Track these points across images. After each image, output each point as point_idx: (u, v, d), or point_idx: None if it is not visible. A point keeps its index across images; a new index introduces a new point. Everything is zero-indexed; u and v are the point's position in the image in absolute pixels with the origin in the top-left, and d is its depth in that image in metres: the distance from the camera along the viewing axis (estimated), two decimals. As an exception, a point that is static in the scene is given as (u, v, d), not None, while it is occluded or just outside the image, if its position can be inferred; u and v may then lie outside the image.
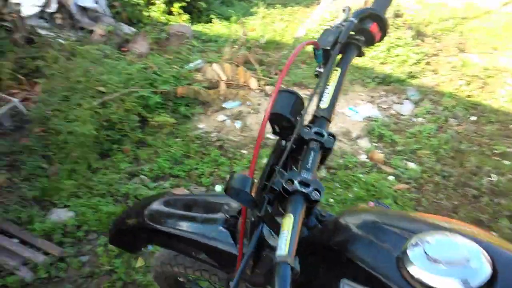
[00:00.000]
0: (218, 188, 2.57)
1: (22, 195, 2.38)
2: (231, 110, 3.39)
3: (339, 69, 0.83)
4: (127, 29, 4.91)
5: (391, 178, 2.69)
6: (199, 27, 5.40)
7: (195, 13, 5.83)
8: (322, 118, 0.77)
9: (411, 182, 2.64)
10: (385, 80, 4.00)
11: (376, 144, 3.06)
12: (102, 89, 3.04)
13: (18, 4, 4.37)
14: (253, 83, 3.75)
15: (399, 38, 4.45)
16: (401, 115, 3.45)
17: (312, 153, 0.70)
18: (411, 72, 4.08)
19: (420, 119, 3.35)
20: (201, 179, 2.63)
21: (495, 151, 2.94)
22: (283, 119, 0.72)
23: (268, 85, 3.88)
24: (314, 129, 0.72)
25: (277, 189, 0.65)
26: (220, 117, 3.30)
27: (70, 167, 2.62)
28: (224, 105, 3.46)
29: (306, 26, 5.35)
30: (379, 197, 2.47)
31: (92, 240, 2.19)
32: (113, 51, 3.68)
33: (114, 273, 1.95)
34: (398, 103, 3.63)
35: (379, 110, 3.53)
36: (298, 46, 0.73)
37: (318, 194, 0.63)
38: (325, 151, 0.72)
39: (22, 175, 2.57)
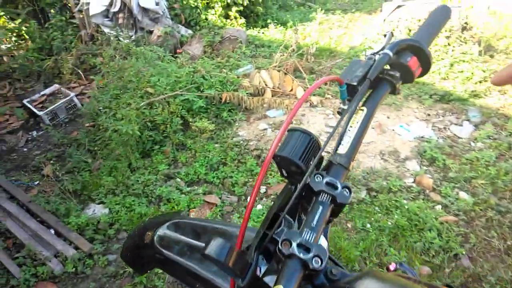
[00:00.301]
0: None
1: (64, 187, 2.50)
2: (273, 119, 3.33)
3: (365, 109, 0.72)
4: (184, 31, 5.05)
5: (438, 207, 2.46)
6: (254, 32, 5.40)
7: (252, 18, 5.85)
8: (339, 165, 0.66)
9: (460, 214, 2.40)
10: (444, 98, 3.71)
11: (426, 168, 2.83)
12: (150, 90, 3.13)
13: (87, 4, 4.66)
14: (300, 93, 3.66)
15: (464, 53, 4.11)
16: (459, 137, 3.17)
17: (320, 209, 0.60)
18: (474, 90, 3.74)
19: (479, 144, 3.04)
20: (234, 188, 2.59)
21: None
22: (291, 164, 0.64)
23: (315, 95, 3.77)
24: (327, 179, 0.62)
25: (271, 249, 0.57)
26: (262, 125, 3.25)
27: (112, 164, 2.72)
28: (267, 113, 3.41)
29: (364, 34, 5.14)
30: (422, 228, 2.27)
31: (122, 240, 2.25)
32: (166, 53, 3.78)
33: (136, 276, 1.98)
34: (456, 124, 3.34)
35: (433, 130, 3.27)
36: (314, 83, 0.65)
37: (319, 261, 0.54)
38: (337, 206, 0.62)
39: (66, 167, 2.71)
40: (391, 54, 0.73)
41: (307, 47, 4.40)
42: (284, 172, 0.67)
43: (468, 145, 3.06)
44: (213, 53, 4.56)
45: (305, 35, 5.24)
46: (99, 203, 2.46)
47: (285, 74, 3.86)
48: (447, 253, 2.14)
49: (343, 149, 0.68)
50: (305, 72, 4.00)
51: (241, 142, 3.03)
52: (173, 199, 2.44)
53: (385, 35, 0.82)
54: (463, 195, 2.56)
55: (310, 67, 4.18)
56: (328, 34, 5.45)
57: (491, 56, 4.13)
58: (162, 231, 1.08)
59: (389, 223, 2.30)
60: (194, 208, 2.43)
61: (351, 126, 0.70)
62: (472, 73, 3.89)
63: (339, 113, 0.78)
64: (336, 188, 0.61)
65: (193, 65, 3.59)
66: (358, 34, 5.31)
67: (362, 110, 0.72)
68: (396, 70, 0.76)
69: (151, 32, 4.84)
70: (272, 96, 3.63)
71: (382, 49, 0.78)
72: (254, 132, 3.18)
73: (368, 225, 2.34)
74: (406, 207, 2.41)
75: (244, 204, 2.50)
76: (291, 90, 3.78)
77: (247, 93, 3.39)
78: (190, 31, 5.04)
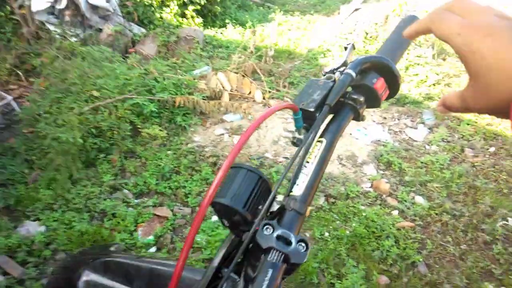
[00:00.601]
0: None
1: (-6, 203, 2.24)
2: (231, 124, 3.20)
3: (324, 140, 0.61)
4: (136, 29, 4.80)
5: (395, 213, 2.44)
6: (211, 32, 5.24)
7: (210, 17, 5.68)
8: (293, 212, 0.53)
9: (416, 219, 2.39)
10: (399, 101, 3.74)
11: (382, 172, 2.81)
12: (96, 93, 2.90)
13: (29, -2, 4.31)
14: (258, 96, 3.55)
15: (419, 56, 4.18)
16: (414, 141, 3.19)
17: (270, 272, 0.46)
18: (428, 93, 3.81)
19: (433, 147, 3.08)
20: (187, 198, 2.44)
21: (514, 190, 2.65)
22: (234, 213, 0.51)
23: (274, 98, 3.68)
24: (278, 231, 0.49)
25: None
26: (218, 130, 3.11)
27: (51, 175, 2.48)
28: (224, 117, 3.27)
29: (321, 37, 5.13)
30: (379, 235, 2.23)
31: (59, 261, 2.03)
32: (115, 54, 3.54)
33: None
34: (411, 127, 3.37)
35: (390, 133, 3.28)
36: (265, 112, 0.53)
37: None
38: (291, 265, 0.49)
39: (0, 179, 2.44)
40: (353, 74, 0.61)
41: (265, 48, 4.31)
42: (225, 222, 0.55)
43: (423, 148, 3.08)
44: (168, 53, 4.36)
45: (263, 36, 5.15)
46: (34, 220, 2.22)
47: (243, 76, 3.75)
48: (404, 260, 2.11)
49: (298, 190, 0.55)
50: (263, 75, 3.90)
51: (196, 148, 2.88)
52: (119, 213, 2.25)
53: (345, 48, 0.71)
54: (419, 199, 2.56)
55: (268, 69, 4.09)
56: (287, 35, 5.39)
57: (444, 59, 4.23)
58: (88, 275, 0.92)
59: (347, 232, 2.24)
60: (143, 222, 2.25)
61: (307, 162, 0.58)
62: (426, 76, 3.96)
63: (294, 144, 0.66)
64: (290, 243, 0.49)
65: (145, 66, 3.38)
66: (316, 36, 5.29)
67: (321, 141, 0.61)
68: (360, 94, 0.65)
69: (101, 30, 4.56)
70: (230, 99, 3.50)
71: (344, 65, 0.68)
72: (210, 138, 3.04)
73: (327, 234, 2.27)
74: (364, 214, 2.37)
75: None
76: (249, 93, 3.67)
77: (203, 97, 3.24)
78: (143, 30, 4.79)
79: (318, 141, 0.61)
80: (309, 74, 4.11)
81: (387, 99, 0.69)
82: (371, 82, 0.64)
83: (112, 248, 1.15)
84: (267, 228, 0.50)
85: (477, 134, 3.19)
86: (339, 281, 1.98)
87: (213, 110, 3.17)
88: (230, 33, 5.32)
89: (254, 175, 0.54)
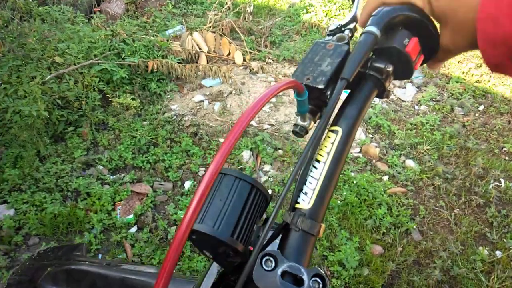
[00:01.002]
0: (187, 184, 2.23)
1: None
2: (210, 89, 2.99)
3: (339, 130, 0.44)
4: (101, -15, 4.36)
5: (385, 178, 2.35)
6: (184, -13, 4.83)
7: (182, -30, 5.23)
8: (301, 233, 0.39)
9: (408, 184, 2.31)
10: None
11: (371, 136, 2.70)
12: (58, 59, 2.60)
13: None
14: (238, 57, 3.32)
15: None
16: (402, 101, 3.07)
17: None
18: (416, 50, 3.65)
19: (423, 107, 2.97)
20: (168, 173, 2.27)
21: (504, 149, 2.60)
22: (217, 244, 0.36)
23: (255, 60, 3.45)
24: (283, 265, 0.35)
25: None
26: (197, 97, 2.89)
27: (16, 153, 2.25)
28: (202, 82, 3.04)
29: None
30: (371, 203, 2.15)
31: (33, 247, 1.87)
32: (78, 14, 3.19)
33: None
34: (399, 86, 3.23)
35: (377, 94, 3.14)
36: (255, 101, 0.36)
37: None
38: None
39: (-44, 161, 2.20)
40: (378, 33, 0.43)
41: (244, 4, 4.00)
42: (207, 253, 0.39)
43: (412, 108, 2.97)
44: (137, 11, 3.99)
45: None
46: (1, 203, 2.03)
47: (221, 36, 3.48)
48: (397, 228, 2.05)
49: (306, 202, 0.40)
50: (243, 33, 3.63)
51: (174, 117, 2.67)
52: (94, 192, 2.07)
53: (353, 0, 0.53)
54: (409, 163, 2.47)
55: (248, 28, 3.81)
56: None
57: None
58: (46, 286, 0.76)
59: (338, 202, 2.15)
60: (121, 201, 2.09)
61: (317, 161, 0.42)
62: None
63: (296, 133, 0.49)
64: (301, 282, 0.35)
65: (112, 27, 3.06)
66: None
67: (335, 131, 0.44)
68: (387, 60, 0.47)
69: (61, -13, 4.12)
70: (208, 62, 3.26)
71: (353, 20, 0.50)
72: (189, 105, 2.83)
73: (317, 204, 2.17)
74: (355, 181, 2.27)
75: (181, 191, 2.21)
76: (229, 54, 3.42)
77: (178, 60, 2.98)
78: (109, -14, 4.36)
79: (331, 131, 0.45)
80: (292, 32, 3.87)
81: (421, 65, 0.52)
82: (401, 44, 0.46)
83: (76, 252, 0.99)
84: (267, 261, 0.35)
85: (466, 92, 3.09)
86: (331, 253, 1.90)
87: (190, 74, 2.93)
88: (204, -12, 4.92)
89: (245, 185, 0.38)
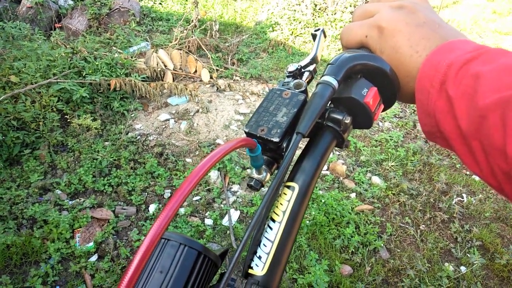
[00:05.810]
0: (152, 207, 2.14)
1: None
2: (176, 108, 2.92)
3: (295, 186, 0.40)
4: (63, 1, 4.24)
5: (353, 196, 2.37)
6: (149, 3, 4.78)
7: (147, -14, 5.18)
8: None
9: (375, 201, 2.34)
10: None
11: (338, 153, 2.72)
12: (14, 79, 2.47)
13: None
14: (205, 75, 3.28)
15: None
16: (367, 117, 3.13)
17: None
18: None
19: (387, 124, 3.04)
20: (131, 196, 2.18)
21: (464, 164, 2.68)
22: None
23: (222, 77, 3.43)
24: None
25: None
26: (163, 115, 2.82)
27: (-36, 179, 2.10)
28: (168, 100, 2.98)
29: (269, 9, 4.88)
30: (340, 222, 2.14)
31: (-20, 283, 1.72)
32: (35, 31, 3.07)
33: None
34: (364, 103, 3.30)
35: (343, 111, 3.19)
36: (203, 161, 0.31)
37: None
38: None
39: None
40: (336, 84, 0.40)
41: (210, 21, 3.99)
42: None
43: (376, 125, 3.03)
44: (100, 27, 3.90)
45: (207, 7, 4.80)
46: None
47: (188, 53, 3.44)
48: (366, 247, 2.05)
49: (260, 268, 0.36)
50: (209, 51, 3.62)
51: (138, 137, 2.59)
52: (51, 219, 1.95)
53: (314, 36, 0.51)
54: (375, 179, 2.50)
55: (215, 45, 3.80)
56: (232, 7, 5.08)
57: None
58: None
59: (307, 222, 2.13)
60: (80, 228, 1.97)
61: (272, 220, 0.39)
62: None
63: (251, 187, 0.45)
64: None
65: (73, 44, 2.96)
66: (263, 7, 5.03)
67: (291, 187, 0.40)
68: (345, 111, 0.44)
69: (19, 2, 3.97)
70: (174, 80, 3.20)
71: (313, 61, 0.48)
72: (154, 124, 2.75)
73: (285, 225, 2.14)
74: (323, 200, 2.26)
75: (145, 216, 2.12)
76: (195, 72, 3.38)
77: (142, 78, 2.91)
78: (71, 2, 4.25)
79: (287, 187, 0.41)
80: (259, 49, 3.89)
81: (383, 110, 0.49)
82: (360, 94, 0.42)
83: None
84: None
85: (427, 109, 3.19)
86: (301, 276, 1.87)
87: (155, 93, 2.86)
88: (170, 4, 4.89)
89: (190, 253, 0.34)
